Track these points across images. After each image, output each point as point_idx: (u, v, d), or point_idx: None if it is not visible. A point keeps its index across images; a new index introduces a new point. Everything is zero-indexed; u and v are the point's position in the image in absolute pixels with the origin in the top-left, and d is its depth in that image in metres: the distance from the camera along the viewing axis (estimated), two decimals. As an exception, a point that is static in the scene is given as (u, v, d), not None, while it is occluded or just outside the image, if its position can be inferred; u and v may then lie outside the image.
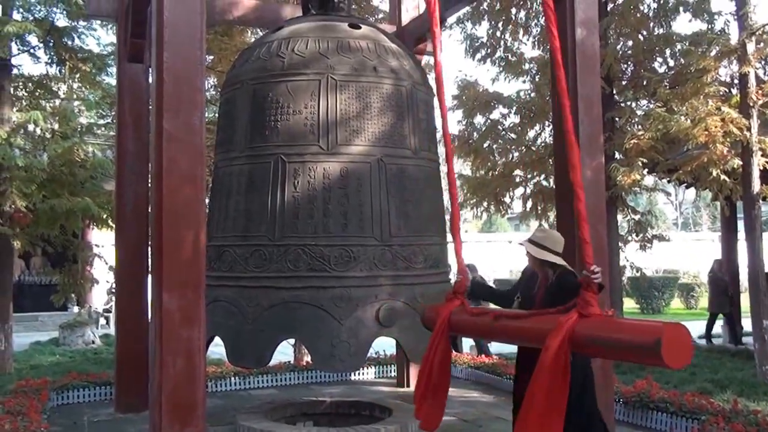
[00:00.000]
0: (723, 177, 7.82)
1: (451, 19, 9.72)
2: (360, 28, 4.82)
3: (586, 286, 2.73)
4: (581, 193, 2.90)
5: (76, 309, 14.60)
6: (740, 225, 10.21)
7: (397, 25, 6.88)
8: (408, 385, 6.67)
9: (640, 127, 8.81)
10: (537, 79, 10.13)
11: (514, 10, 10.15)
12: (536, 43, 10.31)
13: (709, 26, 9.13)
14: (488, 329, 3.20)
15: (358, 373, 7.30)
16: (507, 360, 7.60)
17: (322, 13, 4.96)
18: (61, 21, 10.05)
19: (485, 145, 10.34)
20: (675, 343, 2.29)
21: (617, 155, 9.05)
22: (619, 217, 9.92)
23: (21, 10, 9.80)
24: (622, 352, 2.55)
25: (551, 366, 2.60)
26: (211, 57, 9.44)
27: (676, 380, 7.61)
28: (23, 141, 9.52)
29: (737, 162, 7.79)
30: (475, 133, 10.55)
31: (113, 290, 9.18)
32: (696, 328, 13.83)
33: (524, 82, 10.49)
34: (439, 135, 5.02)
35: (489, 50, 10.51)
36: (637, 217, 9.83)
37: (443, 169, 4.65)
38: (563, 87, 3.05)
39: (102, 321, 15.51)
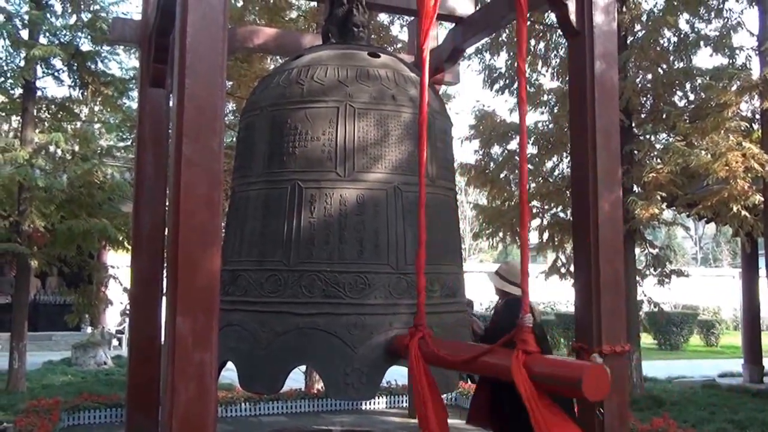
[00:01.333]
0: (744, 213, 7.73)
1: (470, 50, 9.80)
2: (379, 56, 4.85)
3: (520, 327, 3.08)
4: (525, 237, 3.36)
5: (89, 329, 14.65)
6: (761, 262, 10.09)
7: (416, 55, 6.93)
8: (419, 417, 6.58)
9: (659, 160, 8.77)
10: (555, 111, 10.14)
11: (533, 42, 10.21)
12: (555, 74, 10.34)
13: (731, 61, 9.11)
14: (450, 360, 3.52)
15: (370, 403, 7.21)
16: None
17: (342, 42, 5.00)
18: (86, 45, 10.29)
19: (502, 175, 10.33)
20: (595, 381, 2.74)
21: (635, 188, 8.99)
22: (637, 250, 9.81)
23: (47, 34, 10.04)
24: (555, 386, 2.94)
25: (533, 399, 2.89)
26: (231, 83, 9.58)
27: (694, 419, 7.45)
28: (44, 162, 9.67)
29: (758, 198, 7.70)
30: (492, 163, 10.55)
31: (127, 311, 9.21)
32: (716, 366, 13.60)
33: (542, 113, 10.51)
34: (457, 163, 5.03)
35: (507, 81, 10.57)
36: (655, 251, 9.72)
37: (459, 198, 4.67)
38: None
39: (114, 342, 15.53)
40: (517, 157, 10.32)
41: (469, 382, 7.52)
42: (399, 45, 9.63)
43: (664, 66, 9.34)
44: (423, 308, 3.83)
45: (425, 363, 3.71)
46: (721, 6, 9.11)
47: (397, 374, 6.01)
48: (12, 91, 10.33)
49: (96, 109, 11.82)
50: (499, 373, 3.14)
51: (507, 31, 9.97)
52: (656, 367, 13.05)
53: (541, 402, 2.91)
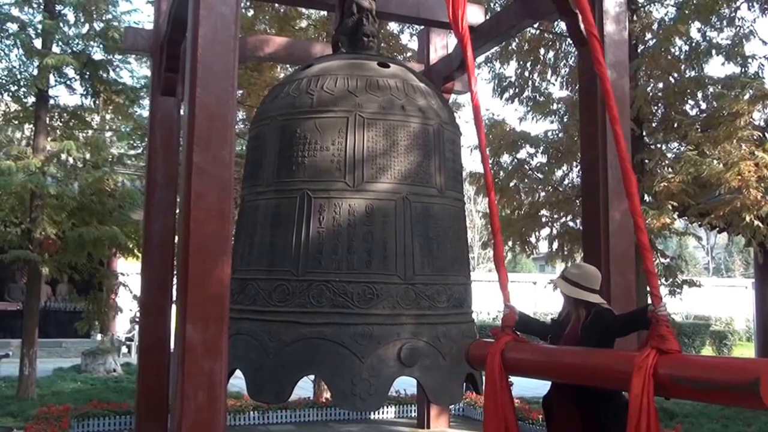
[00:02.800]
0: (757, 223, 7.66)
1: (480, 59, 9.79)
2: (389, 66, 4.86)
3: (657, 320, 2.53)
4: (641, 222, 2.82)
5: (99, 337, 14.69)
6: (774, 272, 9.99)
7: (425, 64, 6.94)
8: (427, 426, 6.55)
9: (670, 169, 8.71)
10: (565, 120, 10.11)
11: (542, 51, 10.20)
12: (564, 83, 10.32)
13: (743, 69, 9.05)
14: (547, 366, 2.99)
15: (378, 413, 7.18)
16: (528, 404, 7.43)
17: (352, 52, 5.02)
18: (98, 54, 10.35)
19: (511, 184, 10.29)
20: None
21: (647, 198, 8.93)
22: (648, 260, 9.73)
23: (60, 43, 10.13)
24: (715, 393, 2.30)
25: (638, 411, 2.41)
26: (241, 91, 9.62)
27: None
28: (56, 170, 9.73)
29: (772, 208, 7.64)
30: (501, 172, 10.52)
31: (136, 319, 9.25)
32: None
33: (552, 122, 10.48)
34: (466, 172, 5.01)
35: (517, 89, 10.55)
36: (666, 261, 9.64)
37: (467, 207, 4.65)
38: (614, 115, 3.07)
39: (124, 349, 15.57)
40: (526, 166, 10.30)
41: (474, 393, 7.49)
42: (408, 54, 9.64)
43: (676, 75, 9.29)
44: (513, 308, 3.46)
45: (505, 377, 3.20)
46: (733, 14, 9.05)
47: (405, 384, 5.99)
48: (25, 100, 10.42)
49: (107, 117, 11.90)
50: (617, 380, 2.55)
51: (517, 40, 9.96)
52: (668, 378, 12.90)
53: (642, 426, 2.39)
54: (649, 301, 2.89)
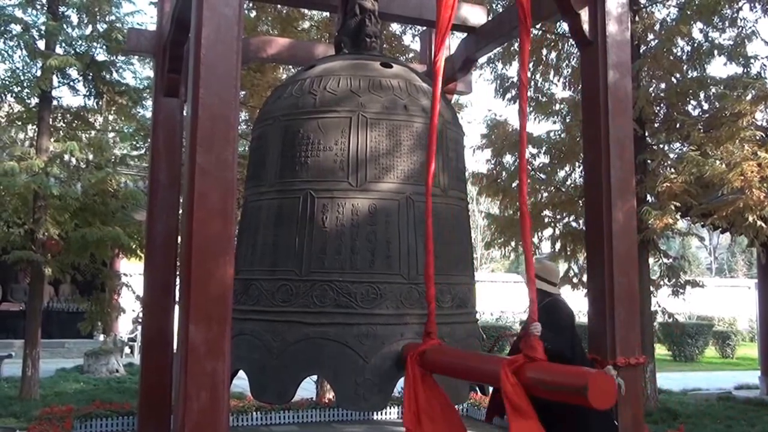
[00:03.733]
0: (760, 223, 7.65)
1: (482, 60, 9.79)
2: (392, 67, 4.86)
3: (528, 333, 3.10)
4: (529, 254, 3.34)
5: (101, 337, 14.72)
6: (776, 272, 9.98)
7: (428, 65, 6.94)
8: (431, 427, 6.54)
9: (673, 170, 8.71)
10: (567, 120, 10.11)
11: (544, 51, 10.20)
12: (567, 83, 10.32)
13: (745, 70, 9.05)
14: (452, 369, 3.55)
15: (381, 413, 7.18)
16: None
17: (355, 52, 5.02)
18: (101, 55, 10.39)
19: (514, 184, 10.30)
20: (600, 388, 2.70)
21: (649, 198, 8.93)
22: (651, 261, 9.73)
23: (64, 44, 10.16)
24: (559, 392, 2.95)
25: (511, 404, 2.98)
26: (244, 92, 9.64)
27: (710, 432, 7.35)
28: (59, 170, 9.76)
29: (774, 207, 7.63)
30: (504, 173, 10.53)
31: (139, 319, 9.26)
32: (732, 378, 13.44)
33: (554, 122, 10.49)
34: (469, 172, 5.01)
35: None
36: (669, 261, 9.64)
37: (470, 207, 4.66)
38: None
39: (126, 350, 15.59)
40: (529, 167, 10.30)
41: (479, 393, 7.48)
42: (411, 55, 9.65)
43: (678, 75, 9.30)
44: (433, 317, 3.83)
45: (422, 374, 3.72)
46: (736, 15, 9.05)
47: (408, 384, 5.99)
48: (28, 101, 10.45)
49: (110, 118, 11.93)
50: (491, 380, 3.22)
51: (518, 41, 9.96)
52: (671, 379, 12.91)
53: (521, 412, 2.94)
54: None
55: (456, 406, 3.98)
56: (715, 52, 9.05)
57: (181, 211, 5.39)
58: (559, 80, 10.46)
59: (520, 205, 3.34)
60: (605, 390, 2.72)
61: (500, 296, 24.52)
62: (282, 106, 4.76)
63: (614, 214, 4.42)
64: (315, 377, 7.93)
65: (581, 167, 9.02)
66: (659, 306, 9.68)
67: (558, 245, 10.14)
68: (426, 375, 3.73)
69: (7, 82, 10.24)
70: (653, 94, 9.25)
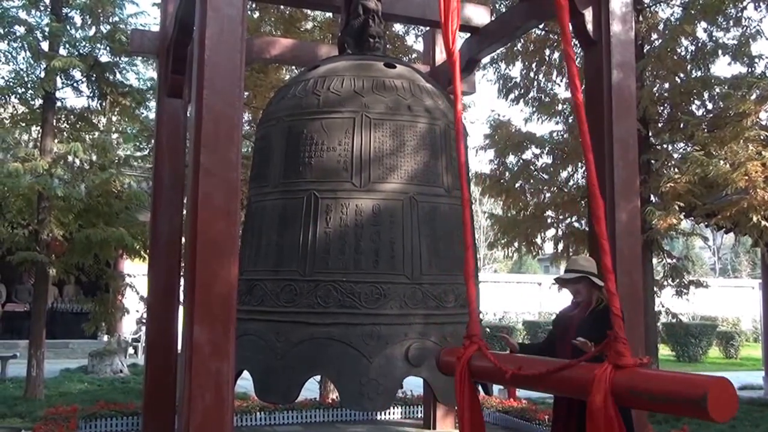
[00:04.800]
0: (764, 223, 7.63)
1: (485, 60, 9.79)
2: (395, 67, 4.87)
3: (616, 338, 2.62)
4: (606, 245, 2.79)
5: (105, 338, 14.74)
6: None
7: (431, 66, 6.95)
8: (434, 427, 6.54)
9: (676, 170, 8.69)
10: (570, 120, 10.10)
11: (548, 51, 10.19)
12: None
13: (750, 69, 9.03)
14: (511, 378, 3.04)
15: (384, 413, 7.18)
16: (536, 404, 7.42)
17: (358, 53, 5.03)
18: (104, 57, 10.40)
19: (517, 185, 10.28)
20: (721, 398, 2.27)
21: (653, 198, 8.91)
22: (654, 261, 9.72)
23: (67, 45, 10.18)
24: (668, 405, 2.47)
25: (601, 421, 2.53)
26: (247, 93, 9.63)
27: (714, 432, 7.34)
28: (63, 171, 9.77)
29: (779, 208, 7.61)
30: (507, 173, 10.51)
31: (143, 320, 9.27)
32: (736, 378, 13.41)
33: (557, 122, 10.47)
34: (472, 172, 5.00)
35: (522, 90, 10.54)
36: (673, 261, 9.62)
37: (474, 208, 4.63)
38: (587, 142, 2.96)
39: (130, 350, 15.61)
40: (532, 167, 10.29)
41: (483, 394, 7.48)
42: (414, 55, 9.65)
43: (682, 75, 9.27)
44: (476, 316, 3.41)
45: (471, 383, 3.28)
46: (740, 14, 9.03)
47: (412, 384, 5.99)
48: (32, 102, 10.47)
49: (114, 119, 11.93)
50: (578, 390, 2.73)
51: (522, 41, 9.96)
52: (674, 379, 12.87)
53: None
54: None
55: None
56: (720, 51, 9.02)
57: (185, 212, 5.41)
58: (562, 80, 10.44)
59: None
60: (727, 399, 2.31)
61: (503, 296, 24.49)
62: (286, 106, 4.76)
63: (617, 214, 4.42)
64: (319, 377, 7.94)
65: (584, 168, 9.01)
66: (663, 306, 9.66)
67: (561, 246, 10.13)
68: (471, 383, 3.32)
69: (11, 84, 10.26)
70: (657, 94, 9.22)
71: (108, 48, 10.29)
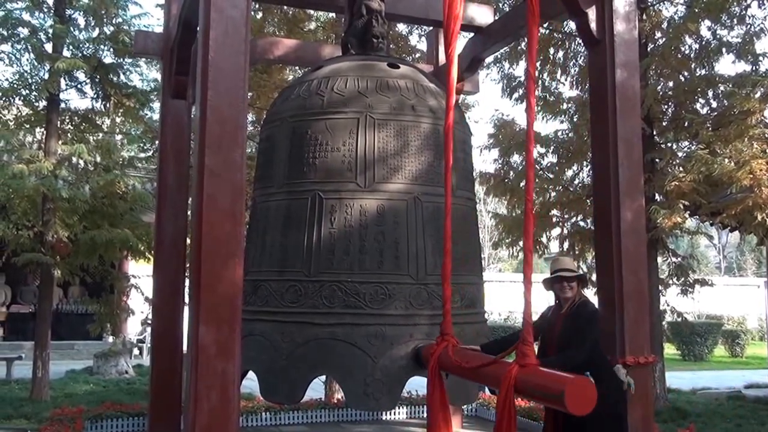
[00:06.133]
0: (769, 221, 7.62)
1: (489, 59, 9.78)
2: (399, 67, 4.87)
3: (523, 341, 3.03)
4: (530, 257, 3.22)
5: (111, 339, 14.77)
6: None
7: (435, 65, 6.95)
8: (440, 427, 6.53)
9: (681, 168, 8.67)
10: (575, 119, 10.08)
11: (552, 50, 10.18)
12: (574, 82, 10.29)
13: (754, 68, 9.00)
14: (465, 372, 3.52)
15: (389, 413, 7.18)
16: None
17: (361, 53, 5.03)
18: (108, 58, 10.40)
19: (521, 184, 10.26)
20: (578, 394, 2.73)
21: (658, 197, 8.89)
22: (660, 260, 9.69)
23: (71, 47, 10.20)
24: (539, 398, 3.10)
25: (502, 409, 3.05)
26: (251, 93, 9.64)
27: (720, 431, 7.32)
28: (68, 173, 9.79)
29: (783, 206, 7.58)
30: (511, 172, 10.50)
31: (148, 321, 9.29)
32: (742, 377, 13.37)
33: (562, 122, 10.45)
34: (476, 172, 5.00)
35: (526, 90, 10.52)
36: (678, 260, 9.60)
37: (478, 207, 4.67)
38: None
39: (135, 351, 15.63)
40: (537, 166, 10.27)
41: (488, 393, 7.47)
42: (417, 55, 9.64)
43: (686, 73, 9.25)
44: (449, 316, 3.77)
45: (440, 376, 3.73)
46: (744, 12, 9.00)
47: (417, 385, 5.99)
48: (36, 104, 10.49)
49: (118, 120, 11.95)
50: (497, 383, 3.19)
51: (525, 40, 9.94)
52: (680, 379, 12.86)
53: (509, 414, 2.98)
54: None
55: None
56: (724, 49, 8.99)
57: (189, 213, 5.41)
58: (566, 79, 10.43)
59: (525, 203, 3.24)
60: (584, 396, 2.73)
61: (508, 296, 24.46)
62: (290, 107, 4.77)
63: (622, 213, 4.42)
64: (324, 377, 7.94)
65: (589, 166, 9.00)
66: (668, 305, 9.64)
67: (566, 245, 10.11)
68: (442, 377, 3.78)
69: (15, 86, 10.29)
70: (661, 93, 9.20)
71: (111, 49, 10.30)
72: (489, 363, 3.31)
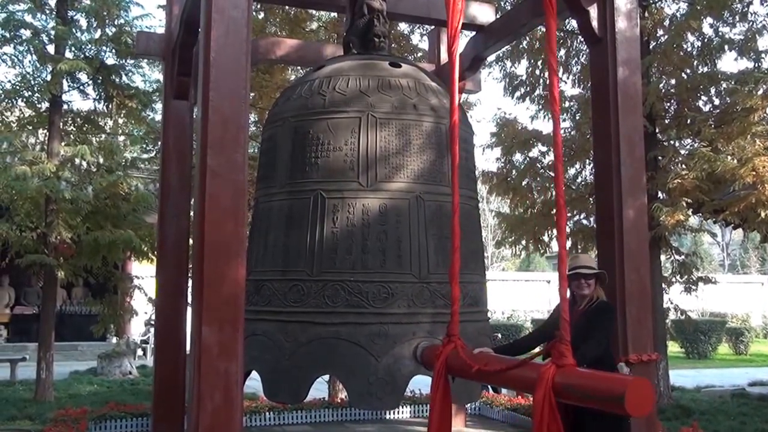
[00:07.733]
0: (772, 218, 7.60)
1: (491, 58, 9.78)
2: (400, 66, 4.87)
3: (560, 340, 2.90)
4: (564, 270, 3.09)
5: (114, 339, 14.80)
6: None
7: (436, 64, 6.94)
8: (444, 426, 6.53)
9: (683, 166, 8.66)
10: (577, 118, 10.07)
11: (553, 49, 10.16)
12: (576, 81, 10.29)
13: (756, 65, 8.98)
14: (481, 374, 3.37)
15: (393, 413, 7.18)
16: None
17: (363, 52, 5.03)
18: (110, 59, 10.42)
19: (524, 182, 10.27)
20: (638, 395, 2.57)
21: (660, 195, 8.88)
22: (663, 257, 9.68)
23: (73, 48, 10.21)
24: (593, 401, 2.82)
25: (540, 413, 2.84)
26: (253, 94, 9.65)
27: (725, 429, 7.31)
28: (70, 174, 9.81)
29: (787, 203, 7.57)
30: (513, 171, 10.50)
31: (151, 321, 9.31)
32: (746, 375, 13.35)
33: (564, 120, 10.44)
34: (478, 171, 5.00)
35: (528, 88, 10.53)
36: (681, 258, 9.59)
37: (480, 206, 4.64)
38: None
39: (139, 352, 15.66)
40: (539, 165, 10.27)
41: (491, 392, 7.47)
42: (419, 54, 9.64)
43: (688, 71, 9.24)
44: (457, 317, 3.66)
45: (446, 378, 3.61)
46: (746, 9, 8.99)
47: (421, 383, 5.99)
48: (39, 105, 10.50)
49: (120, 121, 11.96)
50: (528, 386, 3.01)
51: (527, 38, 9.94)
52: (684, 376, 12.84)
53: (542, 426, 2.81)
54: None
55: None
56: (726, 47, 8.98)
57: (192, 214, 5.42)
58: (568, 77, 10.43)
59: (556, 198, 3.14)
60: (643, 397, 2.60)
61: (511, 295, 24.46)
62: (292, 107, 4.77)
63: (625, 211, 4.41)
64: (327, 377, 7.94)
65: (592, 165, 9.00)
66: (671, 303, 9.63)
67: (569, 243, 10.11)
68: (448, 379, 3.67)
69: (17, 87, 10.30)
70: (663, 91, 9.20)
71: (114, 50, 10.31)
72: (516, 365, 3.15)
